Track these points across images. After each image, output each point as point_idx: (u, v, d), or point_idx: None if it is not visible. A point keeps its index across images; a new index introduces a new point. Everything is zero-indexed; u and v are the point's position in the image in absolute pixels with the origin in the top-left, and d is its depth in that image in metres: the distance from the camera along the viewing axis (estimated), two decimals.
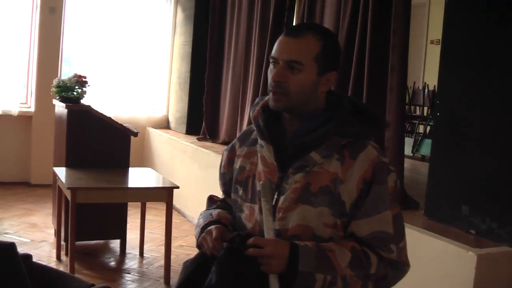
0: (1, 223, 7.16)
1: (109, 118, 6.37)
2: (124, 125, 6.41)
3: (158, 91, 10.55)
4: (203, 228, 2.38)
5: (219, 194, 2.74)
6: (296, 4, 7.33)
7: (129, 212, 6.45)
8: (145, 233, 6.38)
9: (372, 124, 2.31)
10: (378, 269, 2.20)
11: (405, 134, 7.06)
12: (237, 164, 2.49)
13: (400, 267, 2.26)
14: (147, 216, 6.44)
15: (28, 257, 2.78)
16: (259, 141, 2.39)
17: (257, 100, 2.48)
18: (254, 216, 2.34)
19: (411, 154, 8.89)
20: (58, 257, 5.96)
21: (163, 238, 5.81)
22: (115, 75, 10.12)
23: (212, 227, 2.36)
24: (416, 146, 9.12)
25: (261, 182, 2.26)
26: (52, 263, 5.80)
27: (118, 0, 9.99)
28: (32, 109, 9.45)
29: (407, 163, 6.14)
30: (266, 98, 2.38)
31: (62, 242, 6.02)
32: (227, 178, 2.56)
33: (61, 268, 5.61)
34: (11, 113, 9.25)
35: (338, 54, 2.38)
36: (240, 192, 2.43)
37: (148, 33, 10.29)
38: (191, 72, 9.60)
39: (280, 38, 2.30)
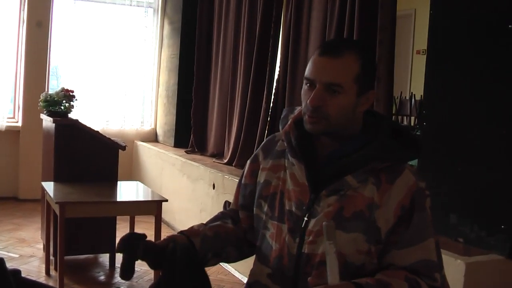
0: None
1: (97, 132, 6.38)
2: (112, 138, 6.42)
3: (146, 105, 10.55)
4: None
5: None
6: (282, 16, 7.36)
7: (118, 226, 6.44)
8: None
9: (411, 148, 2.19)
10: None
11: None
12: (262, 177, 2.34)
13: None
14: (136, 230, 6.42)
15: (17, 272, 2.75)
16: (290, 158, 2.24)
17: (284, 112, 2.36)
18: (282, 236, 2.19)
19: None
20: (47, 272, 5.93)
21: None
22: (102, 89, 10.11)
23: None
24: None
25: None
26: (41, 278, 5.78)
27: (105, 13, 10.01)
28: (20, 123, 9.43)
29: None
30: (297, 112, 2.27)
31: (51, 257, 6.00)
32: (247, 191, 2.42)
33: (51, 283, 5.60)
34: None
35: (375, 71, 2.30)
36: (265, 208, 2.28)
37: (136, 46, 10.30)
38: (179, 85, 9.60)
39: (315, 57, 2.12)
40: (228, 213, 2.51)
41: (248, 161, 2.47)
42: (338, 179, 2.11)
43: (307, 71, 2.12)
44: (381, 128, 2.18)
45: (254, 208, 2.34)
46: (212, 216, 2.50)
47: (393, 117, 8.13)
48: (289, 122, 2.28)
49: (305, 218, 2.15)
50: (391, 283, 2.02)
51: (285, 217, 2.20)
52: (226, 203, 2.59)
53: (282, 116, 2.36)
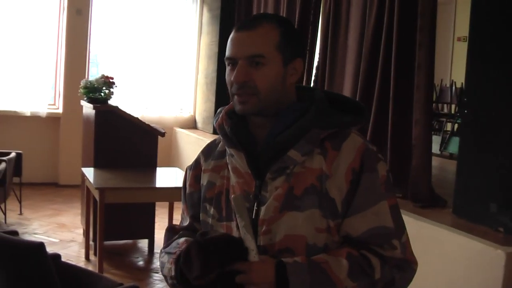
0: (30, 223, 7.23)
1: (137, 118, 6.41)
2: (151, 125, 6.45)
3: (185, 91, 10.60)
4: (178, 261, 1.93)
5: None
6: (321, 3, 7.31)
7: (157, 212, 6.48)
8: None
9: (353, 113, 2.00)
10: (382, 273, 1.86)
11: (433, 132, 7.01)
12: (205, 180, 2.12)
13: (407, 266, 1.93)
14: (175, 216, 6.46)
15: (57, 257, 2.80)
16: (228, 150, 2.05)
17: (219, 109, 2.14)
18: (233, 235, 1.96)
19: (438, 152, 8.83)
20: (87, 257, 6.01)
21: None
22: (142, 76, 10.20)
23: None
24: (444, 144, 9.05)
25: (232, 197, 1.93)
26: (80, 262, 5.85)
27: (145, 2, 10.05)
28: (60, 110, 9.55)
29: (435, 161, 6.11)
30: (230, 104, 2.07)
31: (91, 242, 6.07)
32: (195, 198, 2.16)
33: (90, 267, 5.66)
34: (39, 114, 9.36)
35: (300, 39, 2.12)
36: (212, 211, 2.06)
37: (175, 34, 10.35)
38: (218, 72, 9.60)
39: (232, 35, 1.97)
40: (184, 233, 2.16)
41: (188, 169, 2.24)
42: (281, 157, 1.92)
43: (227, 52, 1.97)
44: (316, 97, 2.00)
45: (200, 214, 2.12)
46: (179, 234, 2.17)
47: (433, 104, 8.05)
48: (221, 115, 2.09)
49: (255, 208, 1.94)
50: (328, 261, 1.83)
51: (233, 215, 1.96)
52: (170, 229, 2.26)
53: (216, 113, 2.16)
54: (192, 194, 2.17)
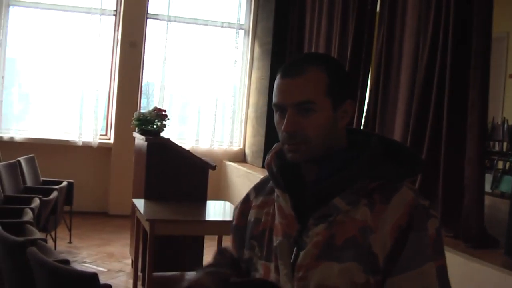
0: (79, 252, 7.31)
1: (188, 151, 6.46)
2: (202, 158, 6.49)
3: (235, 125, 10.67)
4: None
5: None
6: (374, 41, 7.33)
7: (205, 245, 6.49)
8: None
9: (407, 164, 1.90)
10: None
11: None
12: (252, 216, 2.06)
13: None
14: None
15: (108, 287, 2.83)
16: (275, 190, 1.98)
17: (275, 145, 2.06)
18: (270, 276, 1.91)
19: (490, 191, 8.71)
20: (135, 287, 6.03)
21: None
22: (192, 108, 10.31)
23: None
24: (495, 183, 8.93)
25: (277, 242, 1.87)
26: None
27: (198, 34, 10.18)
28: (112, 141, 9.67)
29: (486, 199, 6.04)
30: (278, 145, 2.01)
31: (139, 273, 6.09)
32: (239, 234, 2.12)
33: None
34: (91, 144, 9.49)
35: (349, 80, 2.03)
36: (256, 249, 2.01)
37: (226, 67, 10.45)
38: (268, 106, 9.64)
39: (278, 81, 1.89)
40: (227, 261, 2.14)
41: (239, 203, 2.19)
42: (325, 204, 1.84)
43: (274, 98, 1.90)
44: (369, 144, 1.91)
45: (245, 251, 2.05)
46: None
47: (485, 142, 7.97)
48: (270, 154, 2.04)
49: (294, 253, 1.86)
50: None
51: (273, 256, 1.92)
52: (220, 252, 2.21)
53: (270, 151, 2.08)
54: (237, 228, 2.12)
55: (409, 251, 1.75)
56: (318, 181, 1.89)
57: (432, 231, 1.79)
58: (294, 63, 1.92)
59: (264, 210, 2.02)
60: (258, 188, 2.12)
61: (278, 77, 1.89)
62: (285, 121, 1.84)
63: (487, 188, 8.28)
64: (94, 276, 2.71)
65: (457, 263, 4.41)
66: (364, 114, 7.16)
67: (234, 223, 2.15)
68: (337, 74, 1.90)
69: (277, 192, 1.96)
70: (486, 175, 8.39)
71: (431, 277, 1.76)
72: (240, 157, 10.58)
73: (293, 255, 1.85)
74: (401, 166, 1.88)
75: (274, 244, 1.91)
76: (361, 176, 1.82)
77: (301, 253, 1.84)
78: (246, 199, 2.13)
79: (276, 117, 1.90)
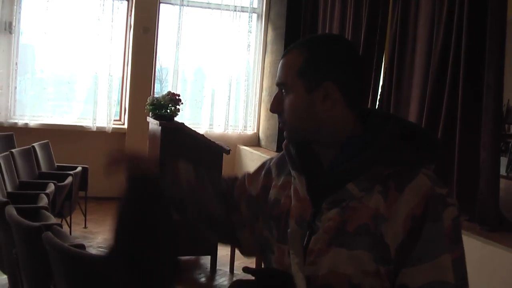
0: (94, 237, 7.34)
1: (202, 135, 6.46)
2: (216, 142, 6.48)
3: (249, 109, 10.67)
4: None
5: None
6: (388, 24, 7.28)
7: None
8: (236, 250, 6.39)
9: (425, 149, 1.83)
10: None
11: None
12: (272, 195, 2.04)
13: None
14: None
15: None
16: (292, 172, 1.95)
17: None
18: (284, 260, 1.88)
19: (505, 174, 8.68)
20: None
21: None
22: (206, 93, 10.32)
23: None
24: (510, 166, 8.90)
25: (289, 230, 1.84)
26: None
27: (211, 19, 10.17)
28: (126, 126, 9.68)
29: (501, 183, 6.02)
30: None
31: None
32: (253, 205, 2.11)
33: None
34: (105, 129, 9.51)
35: (333, 62, 1.88)
36: (273, 230, 1.98)
37: (239, 51, 10.43)
38: None
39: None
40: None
41: (262, 171, 2.15)
42: (339, 189, 1.80)
43: None
44: (386, 128, 1.85)
45: (263, 230, 2.04)
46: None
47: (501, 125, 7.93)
48: None
49: (306, 237, 1.84)
50: None
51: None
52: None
53: None
54: (257, 198, 2.10)
55: (424, 242, 1.69)
56: (333, 166, 1.85)
57: (448, 222, 1.73)
58: (289, 46, 1.93)
59: (285, 192, 1.98)
60: (280, 166, 2.08)
61: None
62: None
63: (503, 171, 8.26)
64: None
65: (472, 247, 4.40)
66: (378, 97, 7.13)
67: (254, 193, 2.11)
68: (316, 55, 1.85)
69: (293, 174, 1.93)
70: (501, 158, 8.39)
71: (446, 270, 1.70)
72: (254, 141, 10.57)
73: (305, 238, 1.83)
74: (419, 151, 1.82)
75: (289, 227, 1.89)
76: (377, 162, 1.77)
77: (313, 238, 1.82)
78: (268, 173, 2.10)
79: None
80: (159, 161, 2.12)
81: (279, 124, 1.92)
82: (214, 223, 2.19)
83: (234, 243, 2.24)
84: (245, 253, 2.25)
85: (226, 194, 2.18)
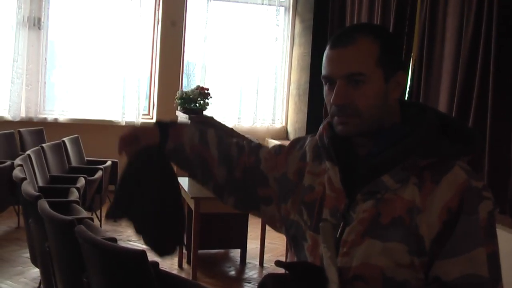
0: (124, 231, 7.36)
1: (231, 129, 6.47)
2: (246, 136, 6.49)
3: (277, 102, 10.65)
4: None
5: None
6: (417, 13, 7.23)
7: (249, 222, 6.50)
8: (265, 243, 6.40)
9: (463, 142, 1.81)
10: None
11: None
12: (307, 181, 2.00)
13: None
14: (268, 227, 6.48)
15: (155, 265, 2.84)
16: (326, 162, 1.93)
17: (328, 117, 1.98)
18: (318, 250, 1.87)
19: None
20: (180, 265, 6.08)
21: (283, 248, 5.84)
22: (235, 86, 10.34)
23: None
24: None
25: (320, 224, 1.80)
26: (173, 270, 5.91)
27: (238, 12, 10.18)
28: (154, 120, 9.69)
29: None
30: None
31: (184, 251, 6.13)
32: (286, 186, 2.07)
33: (183, 275, 5.71)
34: (134, 124, 9.52)
35: (401, 50, 1.96)
36: (305, 216, 1.96)
37: (267, 45, 10.41)
38: (310, 83, 9.61)
39: (327, 52, 1.83)
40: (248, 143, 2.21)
41: (298, 154, 2.09)
42: (374, 180, 1.79)
43: (323, 70, 1.84)
44: (424, 119, 1.83)
45: (291, 212, 2.02)
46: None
47: None
48: (323, 124, 1.99)
49: (340, 227, 1.83)
50: None
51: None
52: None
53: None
54: (292, 182, 2.05)
55: (459, 235, 1.69)
56: (370, 156, 1.84)
57: (484, 215, 1.71)
58: (345, 33, 1.85)
59: (319, 179, 1.96)
60: (315, 152, 2.04)
61: (327, 48, 1.84)
62: (334, 94, 1.79)
63: None
64: (143, 254, 2.72)
65: (503, 239, 4.34)
66: (408, 86, 7.09)
67: (291, 177, 2.06)
68: (389, 43, 1.83)
69: (327, 164, 1.92)
70: None
71: (480, 263, 1.69)
72: (282, 135, 10.55)
73: (339, 229, 1.82)
74: (456, 143, 1.80)
75: (323, 216, 1.88)
76: (414, 153, 1.76)
77: (347, 229, 1.80)
78: (303, 157, 2.06)
79: (325, 89, 1.85)
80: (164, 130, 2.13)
81: (324, 116, 1.89)
82: (219, 187, 2.23)
83: (253, 213, 2.27)
84: (268, 224, 2.28)
85: (238, 159, 2.17)
